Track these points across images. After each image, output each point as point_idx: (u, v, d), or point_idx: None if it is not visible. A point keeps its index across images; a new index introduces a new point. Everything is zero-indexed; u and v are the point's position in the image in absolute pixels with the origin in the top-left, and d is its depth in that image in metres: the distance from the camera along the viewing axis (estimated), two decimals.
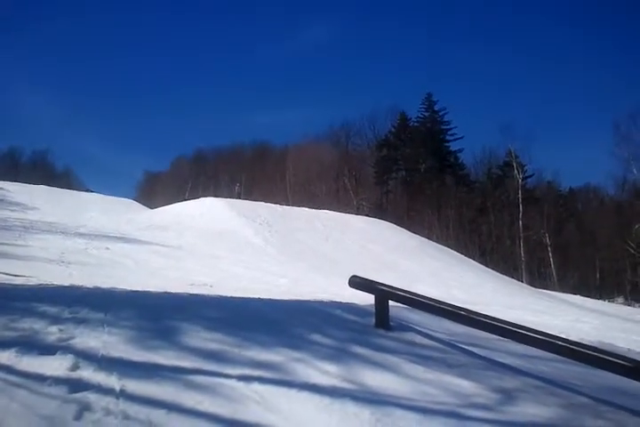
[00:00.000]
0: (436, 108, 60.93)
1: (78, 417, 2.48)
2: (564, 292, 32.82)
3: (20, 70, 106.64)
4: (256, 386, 3.15)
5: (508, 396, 3.58)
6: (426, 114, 61.42)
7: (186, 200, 31.49)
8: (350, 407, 3.04)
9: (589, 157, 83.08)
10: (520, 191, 51.19)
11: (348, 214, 31.75)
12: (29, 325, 3.68)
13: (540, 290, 27.79)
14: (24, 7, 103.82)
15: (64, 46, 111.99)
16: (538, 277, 47.08)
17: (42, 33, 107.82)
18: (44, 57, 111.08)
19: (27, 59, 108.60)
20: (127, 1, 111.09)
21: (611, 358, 3.61)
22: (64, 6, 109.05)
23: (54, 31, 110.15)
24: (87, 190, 51.75)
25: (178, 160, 74.32)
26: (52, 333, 3.56)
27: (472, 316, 4.29)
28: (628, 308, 30.95)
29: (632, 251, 43.08)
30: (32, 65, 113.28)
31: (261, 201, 29.89)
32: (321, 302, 6.38)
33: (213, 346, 3.76)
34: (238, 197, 37.03)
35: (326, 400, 3.08)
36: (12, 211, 22.07)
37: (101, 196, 40.31)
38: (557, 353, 3.96)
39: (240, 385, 3.14)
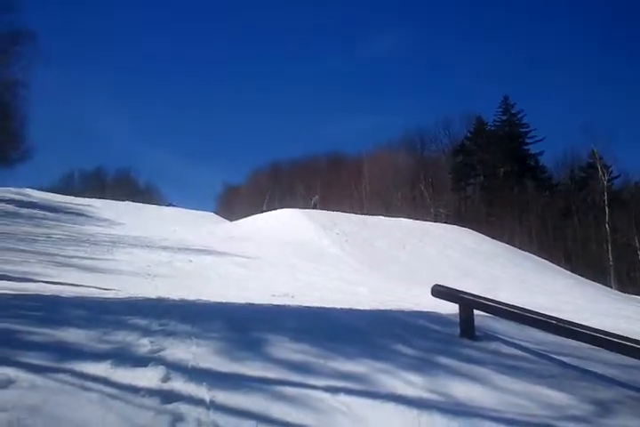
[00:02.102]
0: (513, 111, 59.55)
1: None
2: None
3: (101, 93, 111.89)
4: (342, 397, 3.16)
5: (605, 408, 3.43)
6: (503, 117, 59.99)
7: (264, 212, 31.97)
8: (438, 420, 2.99)
9: None
10: (606, 193, 49.20)
11: (425, 222, 31.36)
12: (122, 337, 3.83)
13: (631, 295, 26.53)
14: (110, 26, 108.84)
15: (142, 64, 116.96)
16: (628, 283, 44.93)
17: (122, 52, 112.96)
18: (122, 77, 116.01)
19: (107, 80, 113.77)
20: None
21: None
22: (150, 23, 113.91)
23: (133, 50, 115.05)
24: (169, 205, 53.61)
25: (255, 173, 76.07)
26: (144, 345, 3.70)
27: (563, 324, 4.14)
28: None
29: None
30: (112, 87, 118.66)
31: (337, 210, 29.96)
32: (402, 312, 6.32)
33: (298, 357, 3.80)
34: (314, 207, 37.23)
35: (414, 412, 3.04)
36: (100, 226, 23.00)
37: (183, 209, 41.54)
38: None
39: (327, 396, 3.15)
